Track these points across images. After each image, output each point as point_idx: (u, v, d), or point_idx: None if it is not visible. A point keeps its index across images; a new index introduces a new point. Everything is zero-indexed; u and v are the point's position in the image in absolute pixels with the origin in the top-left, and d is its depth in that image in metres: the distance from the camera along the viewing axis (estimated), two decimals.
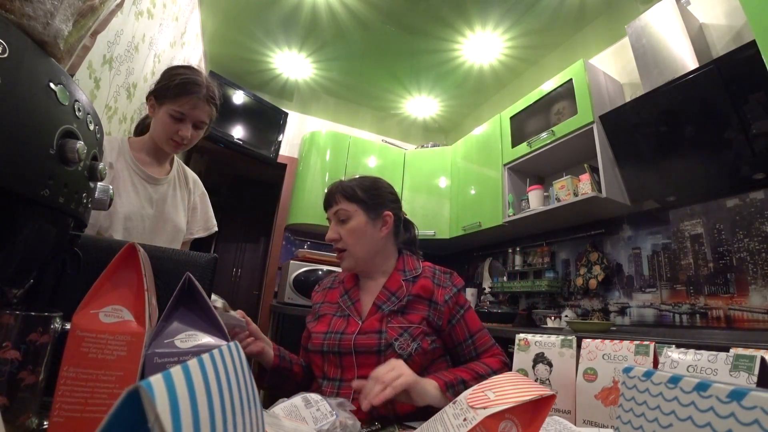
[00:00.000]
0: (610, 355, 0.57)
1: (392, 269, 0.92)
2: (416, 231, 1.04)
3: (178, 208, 1.22)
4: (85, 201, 0.44)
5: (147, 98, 1.13)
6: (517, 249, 2.63)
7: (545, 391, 0.36)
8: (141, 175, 1.13)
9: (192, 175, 1.32)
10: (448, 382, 0.71)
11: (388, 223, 0.92)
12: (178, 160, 1.27)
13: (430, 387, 0.69)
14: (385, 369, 0.67)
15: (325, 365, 0.83)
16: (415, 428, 0.54)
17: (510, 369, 0.73)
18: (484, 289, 2.82)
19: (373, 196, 0.92)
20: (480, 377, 0.73)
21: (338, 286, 0.96)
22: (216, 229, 1.35)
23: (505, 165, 2.51)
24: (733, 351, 0.44)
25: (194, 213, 1.29)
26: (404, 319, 0.82)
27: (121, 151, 1.12)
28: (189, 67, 1.13)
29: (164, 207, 1.17)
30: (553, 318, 2.11)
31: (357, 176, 0.97)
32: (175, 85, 1.06)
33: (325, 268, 2.61)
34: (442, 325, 0.83)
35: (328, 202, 0.92)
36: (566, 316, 2.11)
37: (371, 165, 3.29)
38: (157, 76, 1.13)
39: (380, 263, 0.91)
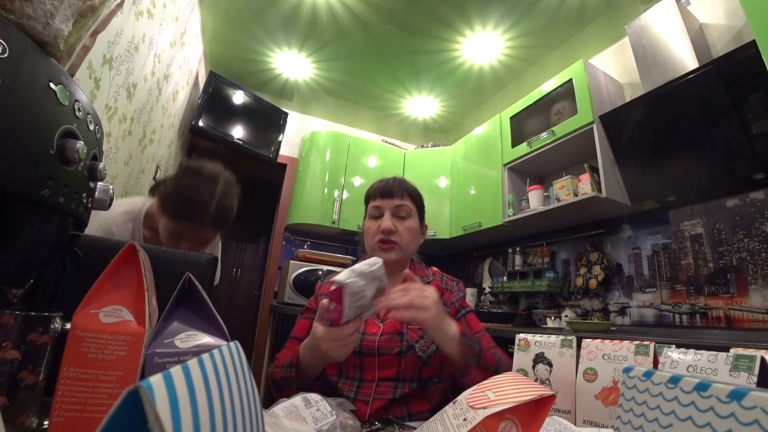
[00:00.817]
0: (610, 355, 0.57)
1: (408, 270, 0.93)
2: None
3: None
4: (85, 201, 0.44)
5: (151, 190, 1.03)
6: (517, 249, 2.63)
7: (545, 391, 0.36)
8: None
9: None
10: (466, 332, 0.72)
11: (425, 233, 0.96)
12: None
13: (449, 327, 0.69)
14: (417, 292, 0.67)
15: (343, 364, 0.81)
16: (415, 428, 0.54)
17: (510, 369, 0.73)
18: (484, 289, 2.82)
19: (422, 206, 0.95)
20: (490, 356, 0.74)
21: None
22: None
23: (505, 165, 2.51)
24: (733, 351, 0.44)
25: None
26: None
27: (133, 235, 1.02)
28: (200, 176, 0.94)
29: None
30: (553, 318, 2.11)
31: (409, 181, 0.96)
32: (175, 203, 0.92)
33: (325, 268, 2.61)
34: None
35: (393, 192, 0.89)
36: (566, 316, 2.11)
37: (371, 165, 3.29)
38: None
39: (404, 266, 0.93)
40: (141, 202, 1.07)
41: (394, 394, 0.75)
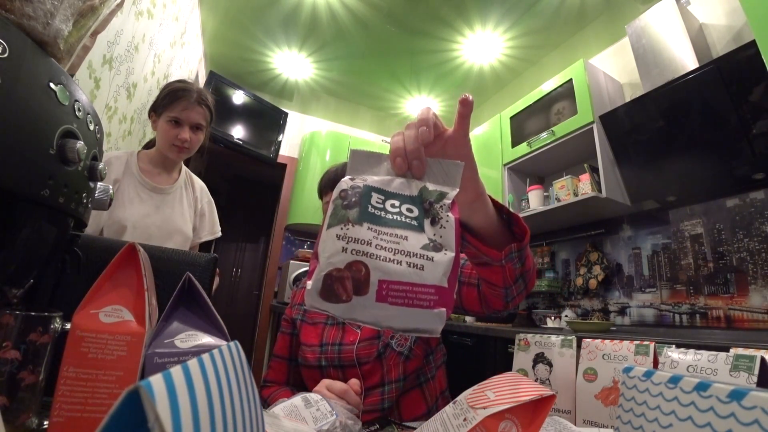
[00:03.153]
0: (610, 355, 0.57)
1: None
2: None
3: (185, 215, 1.26)
4: (85, 201, 0.44)
5: (149, 115, 1.20)
6: None
7: (545, 391, 0.36)
8: (147, 186, 1.17)
9: (199, 183, 1.37)
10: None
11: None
12: (185, 169, 1.32)
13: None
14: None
15: (324, 379, 0.79)
16: (414, 428, 0.53)
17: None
18: None
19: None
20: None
21: None
22: (220, 233, 1.41)
23: (505, 165, 2.51)
24: (733, 351, 0.44)
25: (202, 219, 1.34)
26: None
27: (128, 166, 1.17)
28: (180, 80, 1.23)
29: (171, 214, 1.21)
30: (553, 318, 2.11)
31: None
32: (166, 94, 1.15)
33: None
34: None
35: (332, 186, 0.82)
36: (566, 316, 2.11)
37: None
38: (158, 85, 1.19)
39: None
40: (124, 153, 1.22)
41: (383, 404, 0.71)
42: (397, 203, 0.35)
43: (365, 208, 0.34)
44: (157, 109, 1.17)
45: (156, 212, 1.17)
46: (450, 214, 0.34)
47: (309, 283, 0.32)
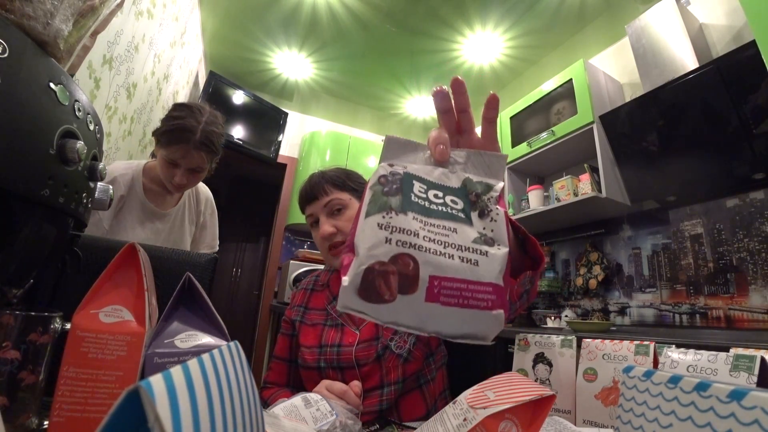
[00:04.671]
0: (610, 355, 0.57)
1: None
2: None
3: (184, 235, 1.25)
4: (85, 201, 0.44)
5: (152, 133, 1.12)
6: None
7: (545, 391, 0.36)
8: (147, 211, 1.15)
9: (204, 194, 1.32)
10: None
11: None
12: None
13: None
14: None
15: (323, 380, 0.79)
16: (414, 428, 0.53)
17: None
18: None
19: (359, 183, 0.86)
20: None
21: (323, 289, 0.88)
22: (217, 248, 1.38)
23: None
24: (733, 351, 0.44)
25: (203, 231, 1.32)
26: None
27: (134, 182, 1.13)
28: (187, 108, 1.07)
29: (169, 236, 1.20)
30: (553, 318, 2.11)
31: (332, 167, 0.89)
32: (166, 131, 1.04)
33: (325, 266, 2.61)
34: None
35: (314, 195, 0.82)
36: (566, 316, 2.11)
37: (371, 165, 3.29)
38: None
39: None
40: (132, 165, 1.18)
41: (381, 405, 0.71)
42: (440, 194, 0.31)
43: (408, 196, 0.30)
44: (157, 140, 1.08)
45: (156, 237, 1.17)
46: (499, 206, 0.31)
47: (345, 279, 0.27)
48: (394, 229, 0.28)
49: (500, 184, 0.33)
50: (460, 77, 0.37)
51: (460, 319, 0.27)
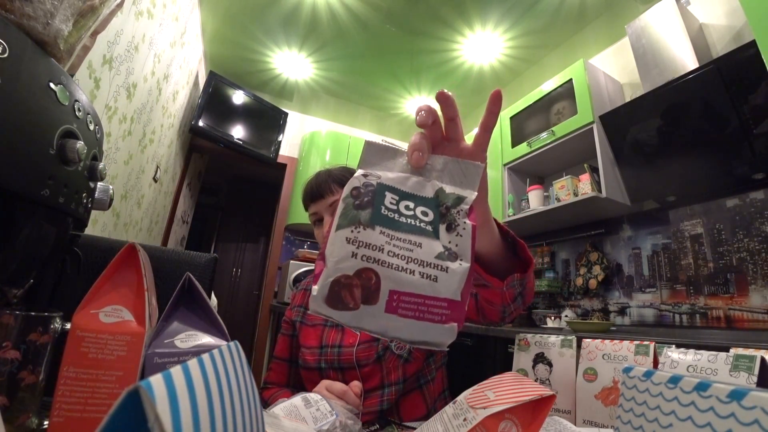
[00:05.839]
0: (610, 355, 0.57)
1: None
2: None
3: None
4: (85, 201, 0.44)
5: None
6: None
7: (545, 391, 0.36)
8: None
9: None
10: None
11: None
12: None
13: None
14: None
15: (323, 380, 0.79)
16: (414, 428, 0.53)
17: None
18: None
19: None
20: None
21: None
22: None
23: (505, 165, 2.51)
24: (733, 351, 0.44)
25: None
26: None
27: None
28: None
29: None
30: (553, 318, 2.11)
31: (337, 166, 0.88)
32: None
33: None
34: None
35: (319, 193, 0.82)
36: (566, 316, 2.11)
37: None
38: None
39: None
40: None
41: (381, 405, 0.71)
42: (411, 205, 0.33)
43: (378, 209, 0.32)
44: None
45: None
46: (467, 221, 0.32)
47: (315, 288, 0.30)
48: (361, 243, 0.30)
49: (473, 195, 0.33)
50: (446, 91, 0.37)
51: (416, 329, 0.29)
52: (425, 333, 0.29)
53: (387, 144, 0.36)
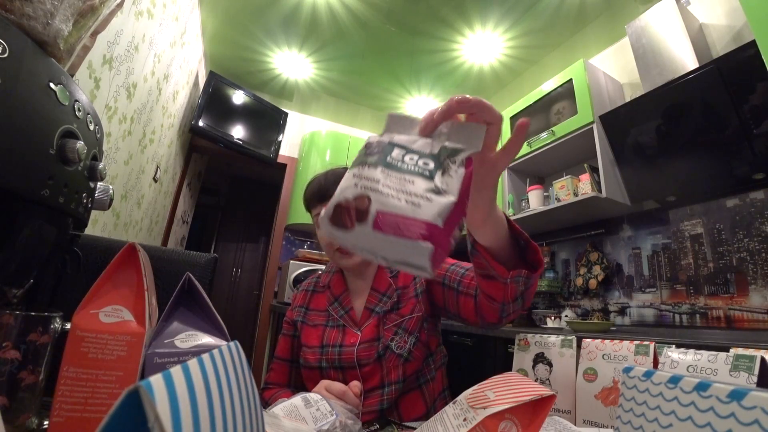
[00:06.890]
0: (610, 355, 0.57)
1: (377, 267, 0.86)
2: None
3: None
4: (85, 201, 0.44)
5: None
6: None
7: (545, 391, 0.36)
8: None
9: None
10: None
11: None
12: None
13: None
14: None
15: (323, 380, 0.79)
16: (414, 428, 0.53)
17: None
18: None
19: None
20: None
21: (323, 290, 0.89)
22: None
23: None
24: (733, 351, 0.44)
25: None
26: (397, 314, 0.78)
27: None
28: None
29: None
30: (553, 318, 2.11)
31: (342, 167, 0.87)
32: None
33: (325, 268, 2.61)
34: (428, 284, 0.79)
35: (327, 195, 0.80)
36: (566, 316, 2.11)
37: None
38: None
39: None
40: None
41: (381, 405, 0.71)
42: (415, 157, 0.36)
43: (384, 158, 0.36)
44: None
45: None
46: (461, 168, 0.35)
47: (322, 211, 0.36)
48: (362, 177, 0.35)
49: (470, 151, 0.36)
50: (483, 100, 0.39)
51: (397, 247, 0.32)
52: (405, 251, 0.32)
53: (408, 115, 0.40)
